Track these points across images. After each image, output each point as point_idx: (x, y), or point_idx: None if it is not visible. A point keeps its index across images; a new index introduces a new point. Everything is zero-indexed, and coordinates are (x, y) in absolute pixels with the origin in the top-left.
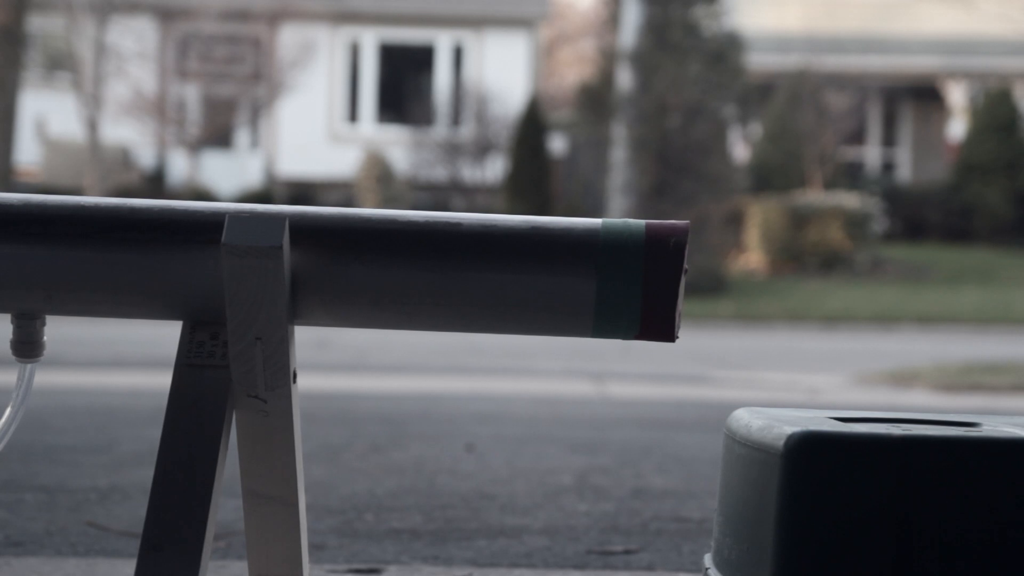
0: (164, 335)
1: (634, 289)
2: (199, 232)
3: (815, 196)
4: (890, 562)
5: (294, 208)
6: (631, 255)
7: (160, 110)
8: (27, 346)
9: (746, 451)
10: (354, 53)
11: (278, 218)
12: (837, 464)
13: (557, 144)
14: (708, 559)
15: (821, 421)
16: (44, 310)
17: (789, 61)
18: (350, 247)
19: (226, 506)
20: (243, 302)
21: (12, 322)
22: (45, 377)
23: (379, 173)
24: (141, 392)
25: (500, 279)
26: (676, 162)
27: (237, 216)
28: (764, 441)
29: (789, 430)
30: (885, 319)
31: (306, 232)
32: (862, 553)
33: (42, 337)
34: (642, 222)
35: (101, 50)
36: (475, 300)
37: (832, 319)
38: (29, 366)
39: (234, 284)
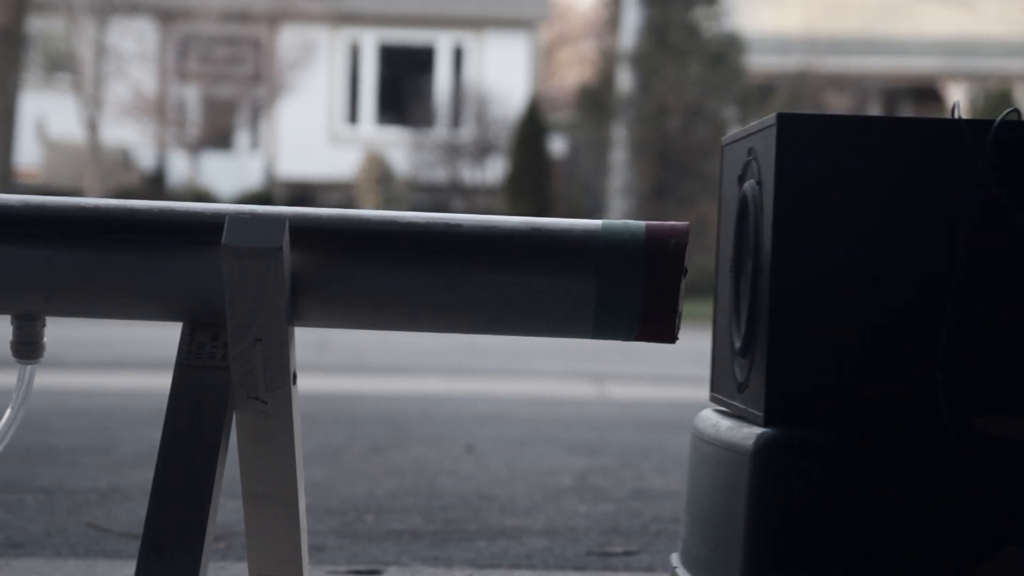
0: (164, 336)
1: (634, 290)
2: (199, 233)
3: None
4: (860, 562)
5: (294, 209)
6: (631, 256)
7: (160, 111)
8: (27, 347)
9: (714, 450)
10: (354, 54)
11: (278, 219)
12: (806, 464)
13: (557, 145)
14: (675, 558)
15: None
16: (44, 311)
17: (789, 62)
18: (350, 248)
19: (226, 507)
20: (243, 303)
21: (12, 323)
22: (45, 378)
23: (379, 174)
24: (141, 393)
25: (500, 280)
26: (676, 163)
27: (237, 217)
28: (733, 441)
29: (759, 430)
30: None
31: (306, 233)
32: (832, 553)
33: (42, 338)
34: (642, 223)
35: (101, 51)
36: (475, 301)
37: None
38: (29, 367)
39: (234, 285)
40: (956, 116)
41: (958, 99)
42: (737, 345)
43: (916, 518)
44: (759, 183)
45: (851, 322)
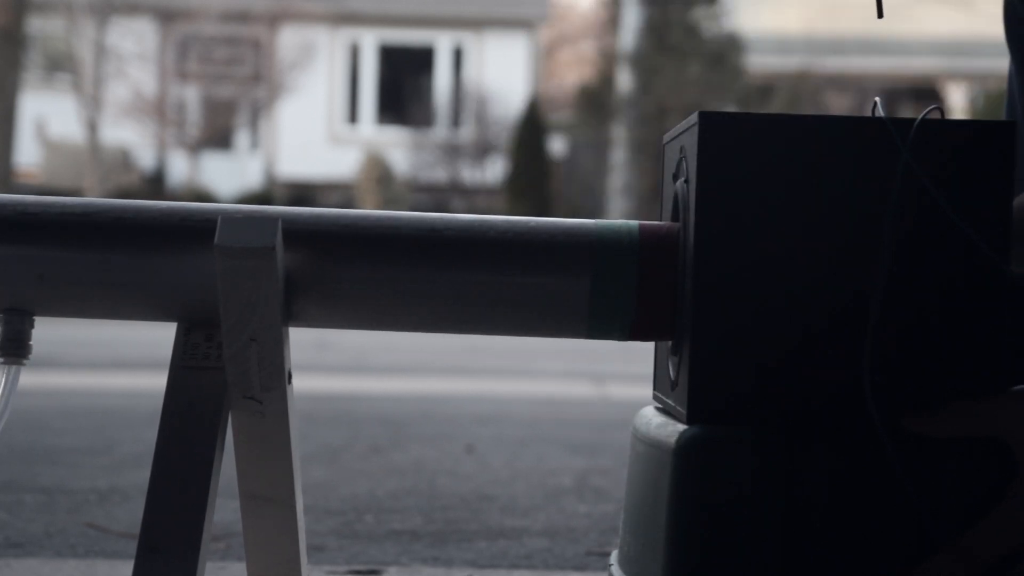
0: (163, 336)
1: (628, 290)
2: (192, 233)
3: None
4: (781, 564)
5: (287, 209)
6: (625, 256)
7: (160, 112)
8: (13, 344)
9: (644, 448)
10: (354, 54)
11: (271, 219)
12: (727, 463)
13: (557, 146)
14: (614, 556)
15: None
16: (37, 311)
17: (789, 63)
18: (344, 248)
19: (225, 507)
20: (237, 304)
21: (1, 321)
22: (44, 378)
23: (379, 174)
24: (140, 393)
25: (494, 280)
26: None
27: (229, 217)
28: (659, 438)
29: (682, 427)
30: None
31: (300, 233)
32: (753, 554)
33: (30, 338)
34: (636, 223)
35: (101, 51)
36: (469, 301)
37: None
38: (14, 368)
39: (227, 286)
40: (877, 113)
41: (878, 97)
42: (671, 342)
43: (838, 519)
44: (687, 182)
45: (776, 320)
